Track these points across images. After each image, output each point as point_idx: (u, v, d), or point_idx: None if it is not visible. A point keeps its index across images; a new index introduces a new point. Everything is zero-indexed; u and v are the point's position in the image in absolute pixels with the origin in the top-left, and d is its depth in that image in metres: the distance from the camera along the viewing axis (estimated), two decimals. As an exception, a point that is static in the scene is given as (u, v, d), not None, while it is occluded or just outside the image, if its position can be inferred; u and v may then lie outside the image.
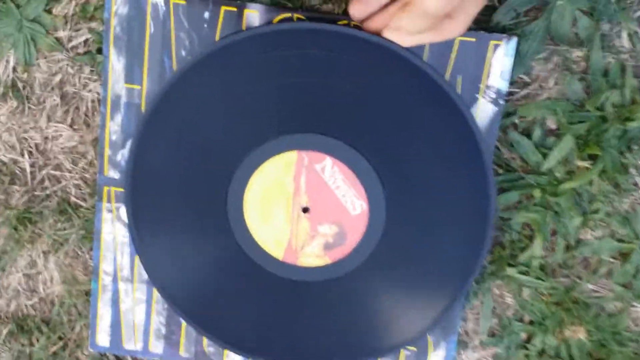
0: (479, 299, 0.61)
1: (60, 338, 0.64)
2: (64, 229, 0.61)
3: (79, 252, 0.62)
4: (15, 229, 0.61)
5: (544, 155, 0.56)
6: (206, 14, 0.54)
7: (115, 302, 0.61)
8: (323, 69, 0.53)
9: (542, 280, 0.59)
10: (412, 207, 0.55)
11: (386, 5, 0.51)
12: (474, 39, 0.54)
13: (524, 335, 0.61)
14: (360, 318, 0.58)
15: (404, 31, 0.48)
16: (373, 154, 0.55)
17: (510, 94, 0.56)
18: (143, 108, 0.57)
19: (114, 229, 0.59)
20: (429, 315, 0.57)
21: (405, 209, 0.55)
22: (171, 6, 0.54)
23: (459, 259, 0.56)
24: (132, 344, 0.62)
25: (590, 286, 0.60)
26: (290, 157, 0.55)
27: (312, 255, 0.57)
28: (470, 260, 0.56)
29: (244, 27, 0.54)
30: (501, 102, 0.55)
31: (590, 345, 0.60)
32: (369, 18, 0.52)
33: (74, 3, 0.56)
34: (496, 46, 0.54)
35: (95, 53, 0.57)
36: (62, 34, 0.57)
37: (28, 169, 0.60)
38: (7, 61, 0.58)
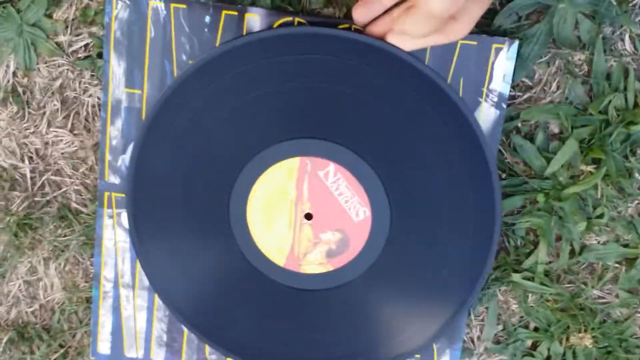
0: (483, 306, 0.60)
1: (61, 346, 0.64)
2: (65, 235, 0.61)
3: (80, 259, 0.62)
4: (16, 235, 0.61)
5: (548, 160, 0.56)
6: (207, 18, 0.54)
7: (116, 309, 0.61)
8: (326, 74, 0.53)
9: (547, 286, 0.58)
10: (416, 213, 0.55)
11: (389, 10, 0.51)
12: (475, 43, 0.54)
13: (529, 343, 0.61)
14: (362, 327, 0.58)
15: (408, 34, 0.48)
16: (376, 160, 0.54)
17: (512, 97, 0.56)
18: (144, 112, 0.56)
19: (114, 234, 0.59)
20: (434, 325, 0.57)
21: (409, 215, 0.55)
22: (172, 10, 0.54)
23: (465, 267, 0.56)
24: (133, 352, 0.61)
25: (596, 292, 0.59)
26: (293, 163, 0.55)
27: (315, 262, 0.57)
28: (476, 267, 0.55)
29: (244, 31, 0.54)
30: (504, 105, 0.55)
31: (596, 353, 0.60)
32: (372, 22, 0.52)
33: (74, 8, 0.56)
34: (498, 49, 0.54)
35: (95, 57, 0.57)
36: (62, 38, 0.57)
37: (28, 175, 0.60)
38: (8, 66, 0.58)
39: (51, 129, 0.59)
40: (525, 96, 0.56)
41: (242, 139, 0.55)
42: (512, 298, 0.60)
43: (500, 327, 0.61)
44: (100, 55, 0.57)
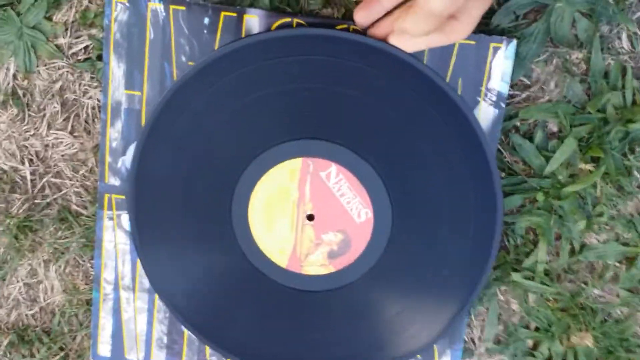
0: (484, 305, 0.60)
1: (61, 348, 0.64)
2: (65, 238, 0.61)
3: (80, 261, 0.62)
4: (16, 237, 0.61)
5: (547, 159, 0.56)
6: (206, 20, 0.55)
7: (116, 312, 0.60)
8: (326, 75, 0.53)
9: (548, 285, 0.58)
10: (417, 214, 0.55)
11: (390, 12, 0.51)
12: (473, 42, 0.54)
13: (530, 343, 0.61)
14: (364, 327, 0.58)
15: (408, 34, 0.48)
16: (378, 160, 0.54)
17: (511, 96, 0.56)
18: (143, 114, 0.57)
19: (115, 237, 0.59)
20: (435, 325, 0.57)
21: (410, 216, 0.55)
22: (171, 12, 0.55)
23: (466, 267, 0.55)
24: (134, 354, 0.61)
25: (596, 291, 0.59)
26: (295, 164, 0.55)
27: (317, 263, 0.57)
28: (477, 268, 0.55)
29: (243, 33, 0.55)
30: (502, 104, 0.55)
31: (597, 352, 0.60)
32: (373, 25, 0.52)
33: (74, 10, 0.56)
34: (496, 49, 0.54)
35: (95, 60, 0.57)
36: (62, 41, 0.57)
37: (28, 177, 0.60)
38: (8, 68, 0.58)
39: (51, 131, 0.59)
40: (524, 95, 0.56)
41: (244, 141, 0.55)
42: (512, 298, 0.60)
43: (501, 327, 0.61)
44: (100, 58, 0.57)
